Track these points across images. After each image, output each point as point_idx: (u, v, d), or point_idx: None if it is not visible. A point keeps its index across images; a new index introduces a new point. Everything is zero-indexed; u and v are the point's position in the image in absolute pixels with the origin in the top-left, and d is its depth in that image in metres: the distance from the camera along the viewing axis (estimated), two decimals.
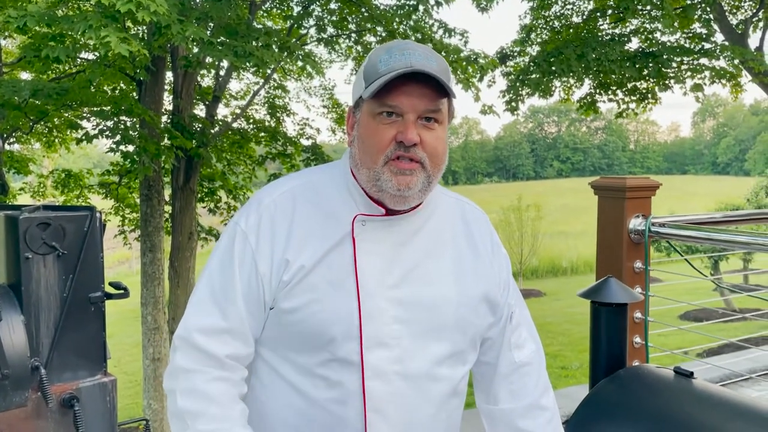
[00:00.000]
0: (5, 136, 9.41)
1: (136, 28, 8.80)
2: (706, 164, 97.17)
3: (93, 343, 2.20)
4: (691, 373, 1.61)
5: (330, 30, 10.35)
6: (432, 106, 1.23)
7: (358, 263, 1.26)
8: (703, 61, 10.75)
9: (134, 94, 9.81)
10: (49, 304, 2.10)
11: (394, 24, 9.03)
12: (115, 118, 7.66)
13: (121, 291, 2.33)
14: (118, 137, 7.31)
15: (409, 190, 1.23)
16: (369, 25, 9.41)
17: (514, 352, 1.43)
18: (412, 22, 8.77)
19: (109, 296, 2.30)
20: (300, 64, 9.08)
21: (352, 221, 1.28)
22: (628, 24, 11.33)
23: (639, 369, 1.74)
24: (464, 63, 8.65)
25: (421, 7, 8.75)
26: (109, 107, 7.68)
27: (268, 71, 9.61)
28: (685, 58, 10.77)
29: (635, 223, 2.43)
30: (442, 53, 8.62)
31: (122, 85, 10.60)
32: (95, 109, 7.94)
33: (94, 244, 2.19)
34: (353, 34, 10.31)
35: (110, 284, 2.35)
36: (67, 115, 10.25)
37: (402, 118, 1.22)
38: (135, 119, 8.17)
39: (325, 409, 1.27)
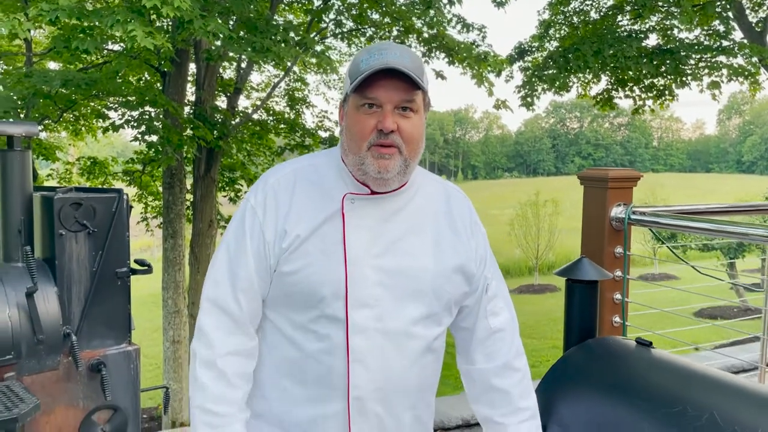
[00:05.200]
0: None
1: (161, 21, 9.02)
2: (731, 162, 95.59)
3: (119, 314, 2.34)
4: (650, 343, 1.78)
5: (349, 24, 10.51)
6: (406, 96, 1.43)
7: (347, 235, 1.47)
8: (721, 58, 10.73)
9: (158, 85, 10.04)
10: (80, 278, 2.25)
11: (413, 19, 9.16)
12: (140, 109, 7.90)
13: (146, 267, 2.52)
14: (143, 128, 7.56)
15: (388, 172, 1.44)
16: (387, 20, 9.56)
17: (489, 319, 1.62)
18: (429, 18, 8.90)
19: (134, 272, 2.46)
20: (315, 60, 9.25)
21: (342, 199, 1.49)
22: (646, 20, 11.33)
23: (605, 339, 1.92)
24: (475, 60, 8.76)
25: (435, 6, 8.85)
26: (134, 98, 7.91)
27: (288, 64, 9.80)
28: (703, 56, 10.76)
29: (616, 211, 2.59)
30: (455, 50, 8.76)
31: (147, 76, 10.85)
32: (121, 99, 8.18)
33: (121, 223, 2.33)
34: (372, 29, 10.46)
35: (135, 261, 2.53)
36: (93, 104, 10.54)
37: (381, 109, 1.43)
38: (159, 110, 8.40)
39: (316, 359, 1.48)
